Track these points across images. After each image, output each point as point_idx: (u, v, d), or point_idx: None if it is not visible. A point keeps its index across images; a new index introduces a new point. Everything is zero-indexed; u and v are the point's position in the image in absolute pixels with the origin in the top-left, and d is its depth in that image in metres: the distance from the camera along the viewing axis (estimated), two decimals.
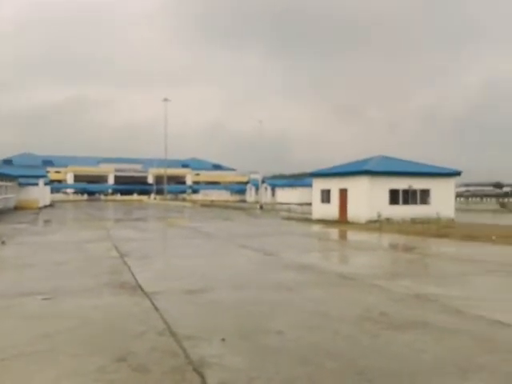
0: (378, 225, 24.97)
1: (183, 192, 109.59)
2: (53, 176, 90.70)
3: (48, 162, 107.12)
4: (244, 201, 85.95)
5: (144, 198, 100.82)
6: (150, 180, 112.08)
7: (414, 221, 27.20)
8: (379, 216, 26.37)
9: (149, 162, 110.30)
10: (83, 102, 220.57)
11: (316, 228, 26.61)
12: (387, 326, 6.79)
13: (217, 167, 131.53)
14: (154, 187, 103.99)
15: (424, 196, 30.43)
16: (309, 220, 32.09)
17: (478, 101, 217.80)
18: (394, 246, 18.48)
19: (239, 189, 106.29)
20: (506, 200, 63.47)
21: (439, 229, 21.72)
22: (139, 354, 5.55)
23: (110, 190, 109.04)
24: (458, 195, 61.38)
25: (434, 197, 30.37)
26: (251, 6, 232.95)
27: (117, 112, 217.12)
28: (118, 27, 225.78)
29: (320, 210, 32.47)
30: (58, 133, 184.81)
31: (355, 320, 7.08)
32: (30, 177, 54.63)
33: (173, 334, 6.30)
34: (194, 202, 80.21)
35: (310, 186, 38.06)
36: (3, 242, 17.48)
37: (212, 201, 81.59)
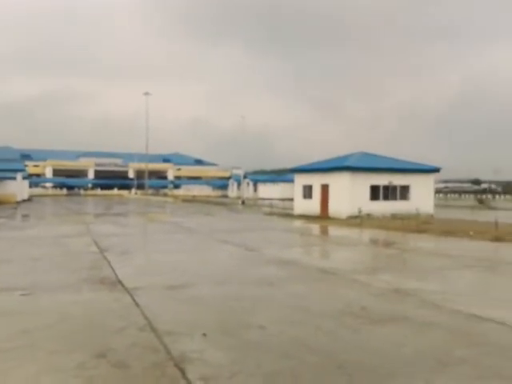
0: (358, 220, 25.17)
1: (165, 187, 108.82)
2: (31, 170, 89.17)
3: (26, 156, 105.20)
4: (226, 196, 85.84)
5: (125, 192, 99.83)
6: (131, 175, 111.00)
7: (394, 216, 27.47)
8: (360, 212, 26.58)
9: (130, 157, 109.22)
10: (63, 94, 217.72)
11: (298, 223, 26.71)
12: (367, 320, 6.85)
13: (199, 162, 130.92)
14: (135, 182, 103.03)
15: (404, 192, 30.77)
16: (290, 215, 32.20)
17: (457, 99, 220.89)
18: (374, 242, 18.66)
19: (221, 184, 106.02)
20: (483, 196, 64.60)
21: (418, 224, 21.97)
22: (119, 350, 5.50)
23: (89, 185, 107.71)
24: (437, 191, 62.28)
25: (413, 193, 30.73)
26: (235, 2, 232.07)
27: (97, 105, 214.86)
28: (99, 20, 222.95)
29: (302, 206, 32.59)
30: (36, 126, 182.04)
31: (336, 314, 7.13)
32: (7, 170, 53.62)
33: (153, 330, 6.26)
34: (175, 197, 79.76)
35: (291, 181, 38.19)
36: None
37: (194, 196, 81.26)
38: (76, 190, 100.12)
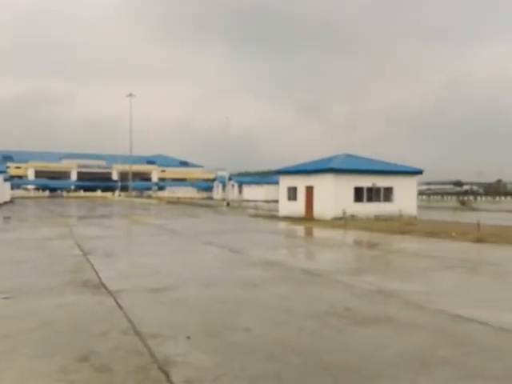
0: (342, 222, 25.30)
1: (149, 189, 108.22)
2: (13, 172, 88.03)
3: (8, 158, 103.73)
4: (211, 198, 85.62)
5: (108, 194, 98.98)
6: (115, 176, 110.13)
7: (377, 218, 27.68)
8: (344, 213, 26.73)
9: (113, 158, 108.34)
10: (45, 95, 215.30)
11: (282, 225, 26.75)
12: (352, 321, 6.88)
13: (184, 164, 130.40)
14: (119, 184, 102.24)
15: (387, 194, 31.01)
16: (275, 217, 32.23)
17: (440, 101, 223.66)
18: (358, 243, 18.77)
19: (206, 186, 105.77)
20: (465, 198, 65.42)
21: (402, 226, 22.16)
22: (102, 354, 5.44)
23: (72, 187, 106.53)
24: (420, 193, 62.87)
25: (396, 194, 30.99)
26: (218, 3, 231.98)
27: (80, 107, 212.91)
28: (84, 21, 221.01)
29: (286, 207, 32.64)
30: (18, 127, 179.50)
31: (320, 316, 7.14)
32: None
33: (137, 333, 6.21)
34: (159, 199, 79.35)
35: (276, 183, 38.25)
36: None
37: (178, 198, 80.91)
38: (59, 192, 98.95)
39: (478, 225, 19.66)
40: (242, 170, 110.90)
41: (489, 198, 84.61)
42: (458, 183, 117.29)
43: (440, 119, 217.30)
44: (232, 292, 8.90)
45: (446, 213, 37.08)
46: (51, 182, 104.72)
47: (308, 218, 29.76)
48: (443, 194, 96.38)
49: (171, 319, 6.98)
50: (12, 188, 69.24)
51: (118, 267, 11.99)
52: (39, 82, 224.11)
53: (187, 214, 37.18)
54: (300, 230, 24.44)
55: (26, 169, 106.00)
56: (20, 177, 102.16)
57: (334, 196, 28.93)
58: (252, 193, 72.83)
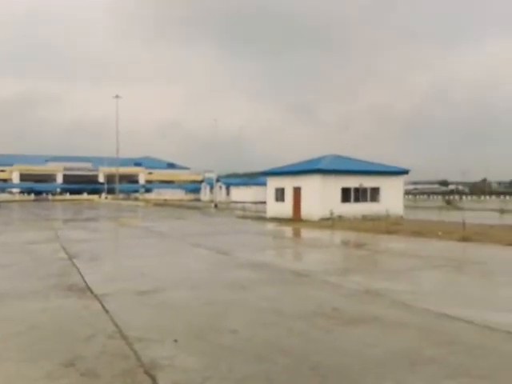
0: (330, 222, 25.38)
1: (136, 191, 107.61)
2: None
3: None
4: (198, 200, 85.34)
5: (95, 197, 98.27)
6: (101, 179, 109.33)
7: (364, 218, 27.83)
8: (332, 214, 26.83)
9: (100, 161, 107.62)
10: (30, 97, 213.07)
11: (270, 226, 26.76)
12: (339, 321, 6.90)
13: (171, 166, 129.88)
14: (105, 186, 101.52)
15: (374, 194, 31.19)
16: (263, 218, 32.24)
17: (425, 101, 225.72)
18: (345, 243, 18.84)
19: (194, 188, 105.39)
20: (451, 197, 66.14)
21: (388, 225, 22.30)
22: (88, 358, 5.38)
23: (58, 190, 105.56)
24: (407, 193, 63.37)
25: (383, 195, 31.19)
26: (207, 3, 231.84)
27: (66, 109, 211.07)
28: (70, 22, 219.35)
29: (274, 209, 32.67)
30: (2, 130, 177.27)
31: (308, 316, 7.15)
32: None
33: (123, 337, 6.15)
34: (146, 201, 78.92)
35: (264, 184, 38.26)
36: None
37: (165, 200, 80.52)
38: (44, 195, 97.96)
39: (464, 224, 19.87)
40: (232, 171, 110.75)
41: (474, 198, 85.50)
42: (444, 183, 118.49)
43: (426, 119, 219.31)
44: (220, 294, 8.87)
45: (432, 212, 37.39)
46: (37, 186, 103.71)
47: (296, 218, 29.82)
48: (429, 193, 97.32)
49: (158, 322, 6.93)
50: None
51: (104, 270, 11.89)
52: (25, 83, 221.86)
53: (174, 216, 37.03)
54: (288, 230, 24.47)
55: (11, 172, 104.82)
56: (5, 180, 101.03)
57: (321, 197, 29.03)
58: (240, 194, 72.74)
